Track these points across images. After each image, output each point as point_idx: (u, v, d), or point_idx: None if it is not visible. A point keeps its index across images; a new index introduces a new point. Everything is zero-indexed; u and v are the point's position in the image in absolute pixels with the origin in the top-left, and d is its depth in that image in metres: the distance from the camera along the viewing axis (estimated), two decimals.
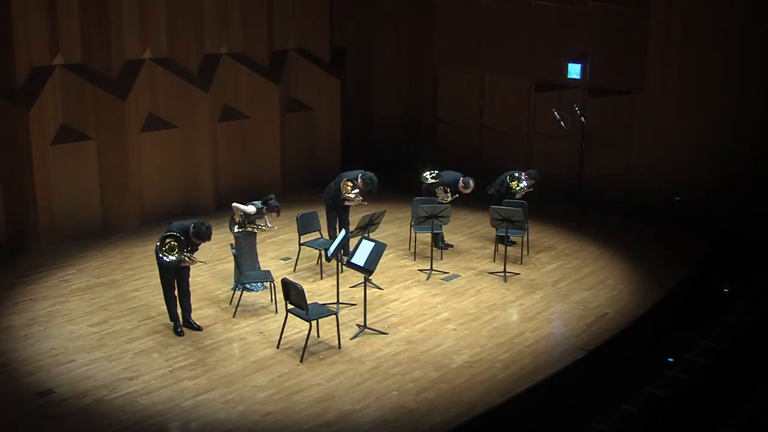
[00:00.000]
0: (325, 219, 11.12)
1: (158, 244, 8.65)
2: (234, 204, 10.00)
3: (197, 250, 9.01)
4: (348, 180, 10.88)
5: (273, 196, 10.10)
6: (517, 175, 11.76)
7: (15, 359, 8.39)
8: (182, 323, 9.05)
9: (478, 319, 9.57)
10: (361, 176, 10.85)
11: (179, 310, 9.05)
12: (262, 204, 9.98)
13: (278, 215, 10.11)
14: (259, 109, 13.96)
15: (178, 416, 7.37)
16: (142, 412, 7.42)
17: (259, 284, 10.10)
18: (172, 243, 8.62)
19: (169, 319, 9.07)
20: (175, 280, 8.91)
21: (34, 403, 7.57)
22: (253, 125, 13.95)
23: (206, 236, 8.79)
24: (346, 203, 10.93)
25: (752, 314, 9.33)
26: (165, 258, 8.59)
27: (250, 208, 9.93)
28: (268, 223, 10.20)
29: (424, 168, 11.91)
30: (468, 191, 11.47)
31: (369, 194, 10.95)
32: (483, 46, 15.27)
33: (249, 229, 9.96)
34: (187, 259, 8.69)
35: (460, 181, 11.43)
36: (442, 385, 8.01)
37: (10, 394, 7.72)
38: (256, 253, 10.25)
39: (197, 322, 9.14)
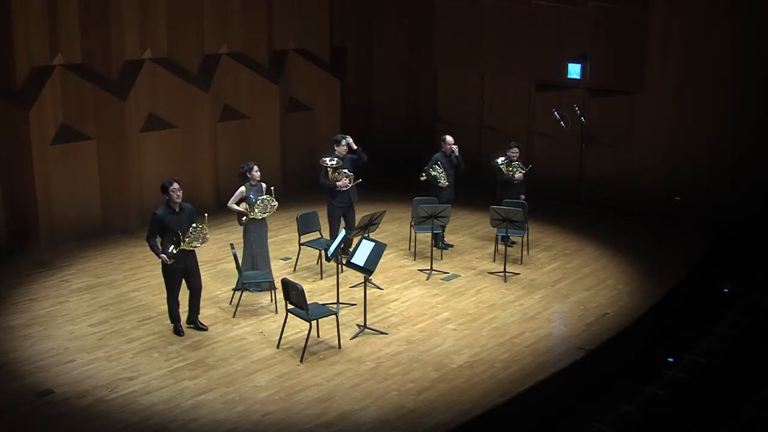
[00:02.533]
0: (327, 222, 11.02)
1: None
2: (228, 205, 10.04)
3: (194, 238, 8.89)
4: (322, 162, 10.84)
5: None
6: (499, 160, 11.75)
7: (15, 359, 8.39)
8: (187, 322, 9.05)
9: (478, 319, 9.57)
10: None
11: (182, 310, 9.02)
12: (241, 172, 9.95)
13: (259, 171, 9.99)
14: (259, 109, 13.96)
15: (178, 416, 7.37)
16: (142, 412, 7.41)
17: (258, 285, 10.10)
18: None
19: (169, 320, 9.08)
20: (181, 284, 8.87)
21: (34, 403, 7.56)
22: (253, 125, 13.95)
23: (170, 180, 8.83)
24: (338, 184, 10.71)
25: (752, 314, 9.34)
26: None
27: (240, 192, 9.87)
28: (262, 184, 10.04)
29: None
30: (452, 143, 11.62)
31: (347, 152, 10.84)
32: (483, 46, 15.26)
33: (258, 214, 9.86)
34: (192, 239, 8.64)
35: (442, 144, 11.63)
36: (442, 385, 8.00)
37: (10, 394, 7.72)
38: (267, 252, 10.15)
39: (203, 323, 9.15)
